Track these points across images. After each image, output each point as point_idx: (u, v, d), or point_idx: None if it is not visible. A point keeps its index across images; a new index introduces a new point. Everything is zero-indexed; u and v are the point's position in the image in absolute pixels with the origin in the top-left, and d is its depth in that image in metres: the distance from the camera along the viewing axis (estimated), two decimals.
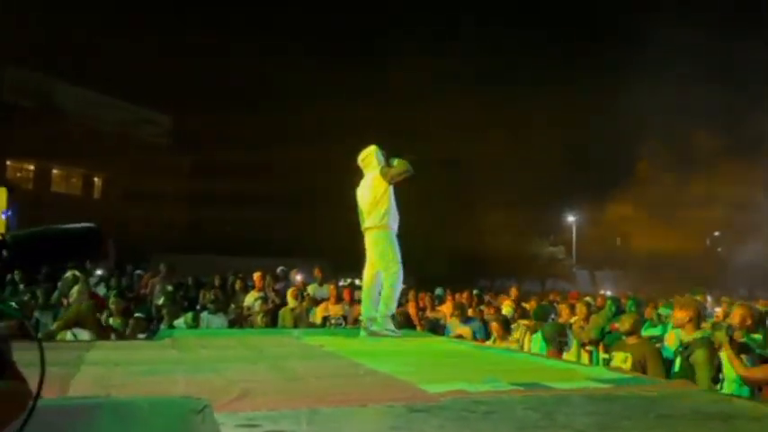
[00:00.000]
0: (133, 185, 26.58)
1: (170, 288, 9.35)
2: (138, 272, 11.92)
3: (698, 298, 6.05)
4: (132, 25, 27.98)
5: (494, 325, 6.71)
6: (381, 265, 5.74)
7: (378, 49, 33.58)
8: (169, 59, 27.44)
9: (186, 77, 28.41)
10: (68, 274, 8.23)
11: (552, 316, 7.70)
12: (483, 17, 35.00)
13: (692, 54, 28.30)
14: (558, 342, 6.14)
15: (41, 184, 27.66)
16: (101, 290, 9.71)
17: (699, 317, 5.12)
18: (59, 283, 8.34)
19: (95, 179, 30.20)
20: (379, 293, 5.73)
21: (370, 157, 5.93)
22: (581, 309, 7.24)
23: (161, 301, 8.66)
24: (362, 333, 5.64)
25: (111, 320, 6.76)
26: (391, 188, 5.79)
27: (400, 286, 5.83)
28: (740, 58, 28.75)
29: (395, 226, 5.80)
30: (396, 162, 5.75)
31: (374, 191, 5.77)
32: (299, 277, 11.11)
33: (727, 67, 30.07)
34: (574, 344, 6.24)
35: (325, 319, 8.04)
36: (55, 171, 28.85)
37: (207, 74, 29.17)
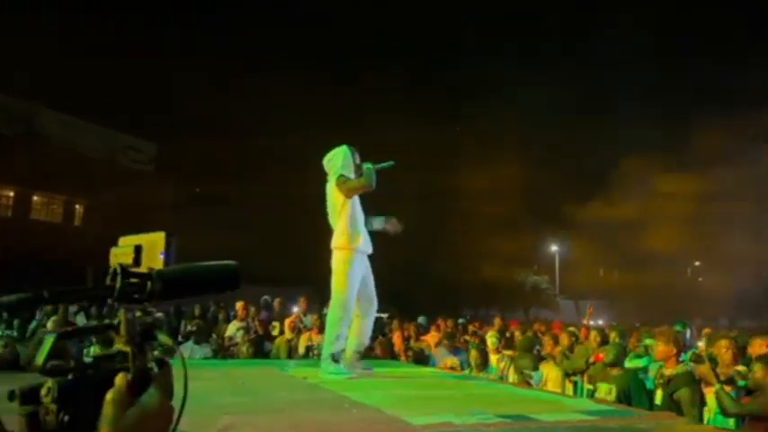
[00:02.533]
0: (115, 213, 26.32)
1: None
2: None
3: (678, 329, 6.09)
4: (118, 52, 28.10)
5: (473, 354, 6.68)
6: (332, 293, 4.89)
7: (363, 77, 33.99)
8: (155, 87, 27.55)
9: (172, 105, 28.49)
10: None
11: (537, 347, 7.69)
12: (455, 49, 35.56)
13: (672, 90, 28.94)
14: (523, 374, 6.18)
15: (21, 211, 27.25)
16: (80, 319, 9.52)
17: (680, 350, 5.15)
18: (37, 313, 8.17)
19: (77, 206, 29.82)
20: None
21: (335, 159, 5.02)
22: (564, 339, 7.25)
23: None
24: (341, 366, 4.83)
25: (91, 350, 6.61)
26: (351, 200, 4.92)
27: (345, 321, 4.80)
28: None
29: (355, 245, 4.85)
30: (364, 169, 4.90)
31: (332, 203, 4.98)
32: (295, 309, 10.96)
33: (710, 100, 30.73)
34: (549, 376, 6.26)
35: (308, 349, 7.92)
36: (35, 198, 28.46)
37: (193, 102, 29.29)
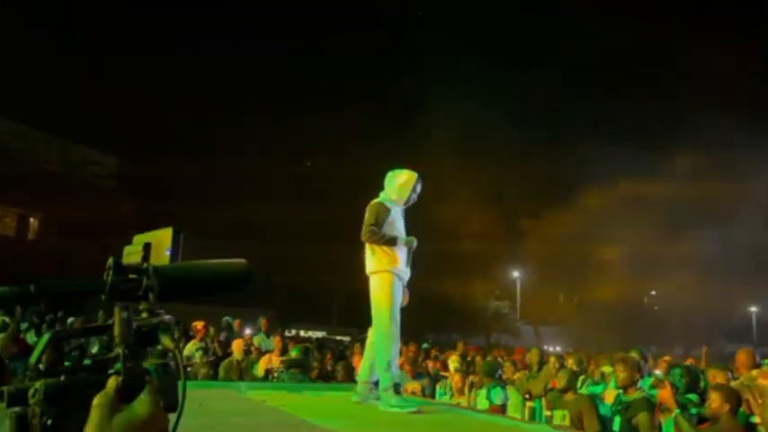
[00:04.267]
0: (71, 227, 25.57)
1: (105, 337, 8.91)
2: (71, 319, 11.37)
3: (634, 355, 6.23)
4: (80, 62, 27.59)
5: (456, 377, 6.72)
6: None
7: (330, 93, 34.11)
8: (119, 101, 27.10)
9: (136, 120, 28.04)
10: None
11: (499, 372, 7.75)
12: (424, 74, 36.08)
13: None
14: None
15: None
16: (30, 337, 9.18)
17: (637, 376, 5.25)
18: None
19: (31, 219, 28.91)
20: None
21: (391, 182, 4.81)
22: (534, 356, 7.35)
23: (95, 350, 8.23)
24: (354, 397, 4.67)
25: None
26: (395, 223, 4.71)
27: (394, 347, 4.51)
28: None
29: (397, 268, 4.60)
30: (401, 237, 4.66)
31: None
32: (248, 331, 10.80)
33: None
34: (510, 401, 6.31)
35: (268, 371, 7.80)
36: None
37: (158, 118, 28.87)
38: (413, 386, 7.25)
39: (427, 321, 30.83)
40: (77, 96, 26.63)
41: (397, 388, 4.31)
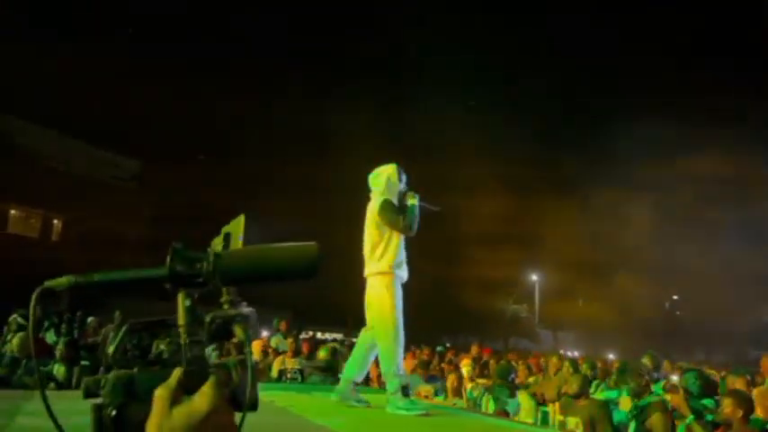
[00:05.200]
0: (93, 229, 26.00)
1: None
2: (90, 319, 11.55)
3: (646, 362, 6.17)
4: (100, 66, 28.00)
5: (451, 377, 6.68)
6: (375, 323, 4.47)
7: (347, 96, 34.19)
8: (140, 103, 27.45)
9: (158, 122, 28.38)
10: (12, 318, 7.91)
11: (512, 375, 7.70)
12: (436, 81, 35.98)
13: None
14: (499, 401, 6.16)
15: None
16: (50, 336, 9.33)
17: (647, 382, 5.18)
18: (4, 329, 8.00)
19: (55, 221, 29.44)
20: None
21: (380, 178, 4.71)
22: (554, 361, 7.28)
23: (111, 350, 8.32)
24: (333, 396, 4.52)
25: (55, 368, 6.48)
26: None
27: (399, 349, 4.38)
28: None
29: (398, 270, 4.53)
30: (407, 205, 4.58)
31: (375, 223, 4.57)
32: (264, 332, 10.87)
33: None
34: (522, 405, 6.25)
35: (281, 372, 7.84)
36: (13, 212, 28.06)
37: (179, 119, 29.20)
38: (425, 389, 7.23)
39: (444, 325, 30.75)
40: (100, 99, 27.08)
41: (405, 390, 4.23)
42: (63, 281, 0.84)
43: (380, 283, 4.42)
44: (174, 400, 0.71)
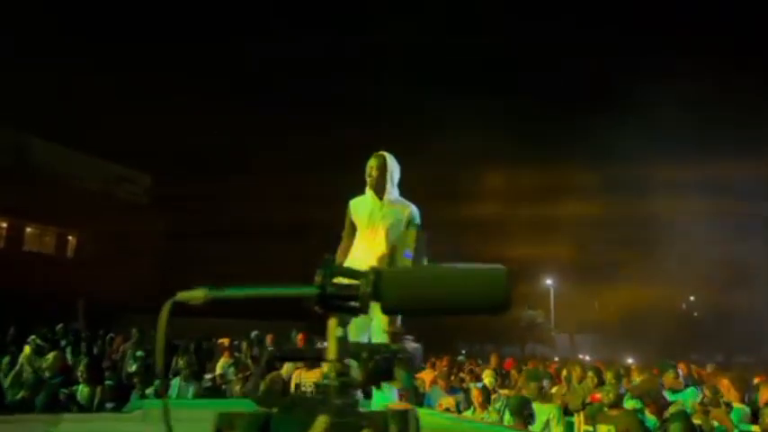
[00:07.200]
0: (108, 245, 26.17)
1: (141, 354, 9.05)
2: (111, 335, 11.57)
3: (669, 376, 6.10)
4: (111, 81, 28.27)
5: (475, 392, 6.59)
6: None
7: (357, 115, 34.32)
8: (151, 117, 27.68)
9: (169, 136, 28.59)
10: (32, 338, 7.93)
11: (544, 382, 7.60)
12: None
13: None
14: (524, 415, 6.05)
15: (13, 243, 27.05)
16: (67, 355, 9.35)
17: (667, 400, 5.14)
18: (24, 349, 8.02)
19: (70, 237, 29.66)
20: None
21: (387, 172, 3.82)
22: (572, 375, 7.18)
23: (133, 369, 8.35)
24: None
25: (79, 388, 6.47)
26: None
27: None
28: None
29: None
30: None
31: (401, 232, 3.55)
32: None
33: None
34: (539, 417, 6.16)
35: (297, 387, 7.69)
36: (28, 229, 28.30)
37: (190, 133, 29.41)
38: (447, 402, 7.13)
39: (459, 332, 30.59)
40: (112, 115, 27.34)
41: None
42: (198, 294, 0.75)
43: None
44: None
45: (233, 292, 0.75)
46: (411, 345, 0.64)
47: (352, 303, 0.66)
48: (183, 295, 0.76)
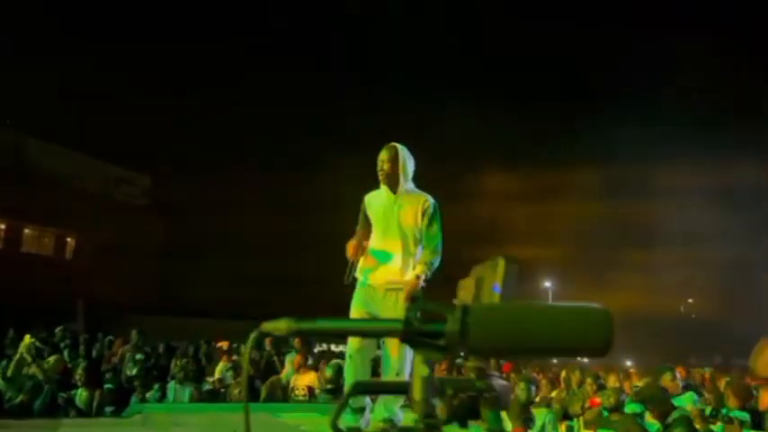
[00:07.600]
0: (107, 246, 26.11)
1: (140, 357, 9.00)
2: (110, 337, 11.52)
3: (666, 379, 6.10)
4: (110, 82, 28.25)
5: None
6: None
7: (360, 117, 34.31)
8: (150, 119, 27.66)
9: (168, 138, 28.56)
10: (30, 341, 7.88)
11: (533, 388, 7.60)
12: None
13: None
14: (523, 419, 6.05)
15: (12, 244, 26.97)
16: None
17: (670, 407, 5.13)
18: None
19: (68, 239, 29.58)
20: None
21: (399, 164, 3.67)
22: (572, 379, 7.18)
23: (133, 372, 8.31)
24: None
25: (78, 392, 6.45)
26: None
27: None
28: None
29: None
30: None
31: (410, 226, 3.67)
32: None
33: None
34: (538, 421, 6.17)
35: (291, 389, 7.49)
36: (26, 231, 28.23)
37: (189, 135, 29.40)
38: None
39: None
40: (111, 116, 27.30)
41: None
42: (281, 325, 0.72)
43: (401, 299, 3.59)
44: None
45: (316, 325, 0.71)
46: (499, 382, 0.59)
47: (439, 342, 0.63)
48: (266, 326, 0.75)
